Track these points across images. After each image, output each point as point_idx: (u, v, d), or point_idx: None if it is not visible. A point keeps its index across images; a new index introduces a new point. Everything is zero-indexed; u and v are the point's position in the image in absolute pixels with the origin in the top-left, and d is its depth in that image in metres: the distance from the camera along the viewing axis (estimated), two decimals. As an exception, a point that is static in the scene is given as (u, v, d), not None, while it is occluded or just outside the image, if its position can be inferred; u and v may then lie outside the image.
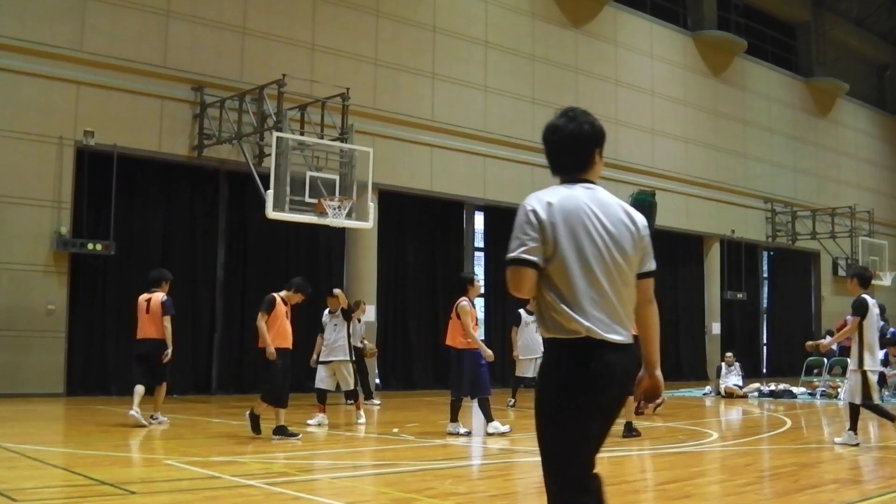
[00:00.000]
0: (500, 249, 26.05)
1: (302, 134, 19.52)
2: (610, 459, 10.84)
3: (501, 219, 26.15)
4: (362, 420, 14.33)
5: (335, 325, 14.60)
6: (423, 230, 24.51)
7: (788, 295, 36.77)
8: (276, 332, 11.97)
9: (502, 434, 12.50)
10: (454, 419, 12.76)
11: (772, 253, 36.46)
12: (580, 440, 4.06)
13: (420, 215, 24.37)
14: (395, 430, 13.51)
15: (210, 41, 20.42)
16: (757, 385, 22.79)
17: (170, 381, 14.27)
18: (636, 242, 4.18)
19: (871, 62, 43.63)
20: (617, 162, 28.56)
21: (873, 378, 11.72)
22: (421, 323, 24.14)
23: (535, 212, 4.07)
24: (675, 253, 30.97)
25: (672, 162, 30.82)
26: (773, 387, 22.36)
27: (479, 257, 26.36)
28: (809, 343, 15.25)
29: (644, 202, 24.74)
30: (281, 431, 11.76)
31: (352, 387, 14.47)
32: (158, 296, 13.65)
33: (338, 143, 19.12)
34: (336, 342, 14.40)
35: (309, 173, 18.14)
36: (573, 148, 4.28)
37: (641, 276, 4.23)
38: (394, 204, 23.18)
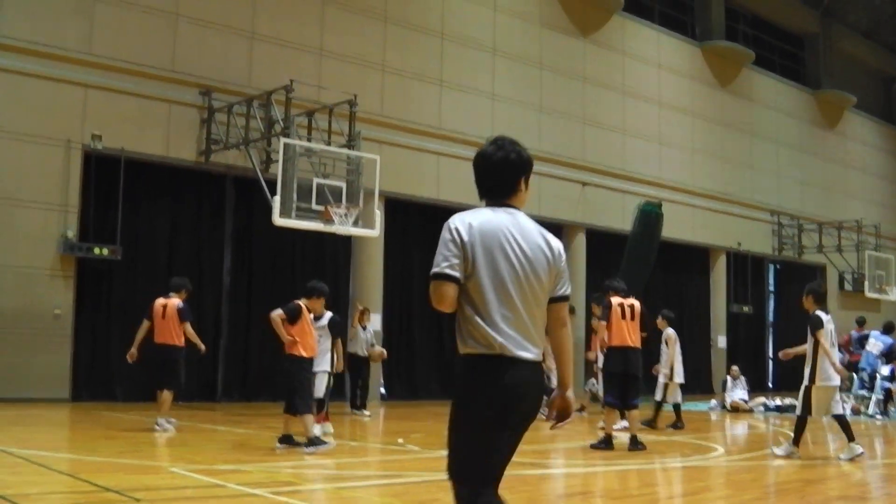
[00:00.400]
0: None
1: (309, 140, 19.50)
2: (616, 473, 10.81)
3: (508, 228, 26.11)
4: (329, 430, 13.28)
5: (319, 335, 13.21)
6: (430, 238, 24.25)
7: (794, 308, 36.42)
8: (304, 342, 11.66)
9: None
10: None
11: (778, 266, 36.37)
12: (487, 452, 4.24)
13: (426, 223, 24.29)
14: (400, 440, 13.47)
15: (218, 45, 20.43)
16: (763, 399, 22.73)
17: (177, 391, 14.15)
18: (551, 267, 4.40)
19: (878, 74, 43.58)
20: (624, 172, 28.60)
21: (829, 392, 12.01)
22: (426, 331, 24.10)
23: (457, 231, 4.30)
24: (681, 265, 30.92)
25: (679, 173, 30.78)
26: (778, 401, 22.30)
27: (485, 266, 26.28)
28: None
29: (650, 213, 24.77)
30: (288, 441, 11.61)
31: (322, 396, 13.19)
32: (174, 302, 13.77)
33: (345, 150, 19.12)
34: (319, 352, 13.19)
35: (316, 180, 18.13)
36: (500, 175, 4.53)
37: (555, 299, 4.44)
38: (400, 212, 23.17)
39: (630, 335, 13.10)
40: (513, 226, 4.38)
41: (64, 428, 14.85)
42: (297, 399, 11.51)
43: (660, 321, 17.29)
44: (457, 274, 4.27)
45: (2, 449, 10.49)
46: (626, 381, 13.09)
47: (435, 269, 4.30)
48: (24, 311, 17.80)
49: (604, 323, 13.23)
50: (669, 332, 17.20)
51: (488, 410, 4.18)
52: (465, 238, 4.28)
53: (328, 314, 13.13)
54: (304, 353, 11.60)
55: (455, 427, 4.30)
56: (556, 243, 4.48)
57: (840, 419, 12.13)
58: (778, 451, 12.22)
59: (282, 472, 9.67)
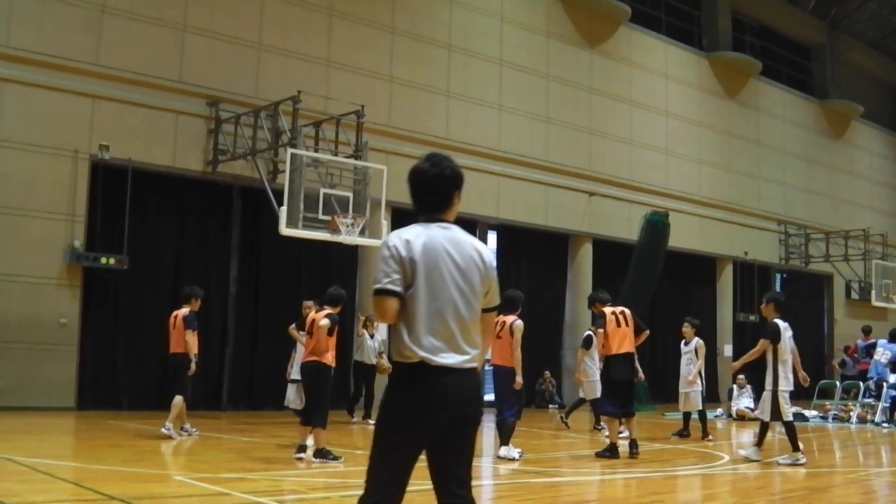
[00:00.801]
0: (513, 269, 26.15)
1: (316, 151, 19.52)
2: (621, 481, 10.81)
3: (514, 238, 26.16)
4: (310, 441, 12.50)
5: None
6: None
7: (801, 317, 36.48)
8: (333, 352, 11.53)
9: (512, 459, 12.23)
10: (507, 442, 12.41)
11: (785, 275, 36.30)
12: (402, 452, 4.47)
13: (433, 233, 24.33)
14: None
15: (226, 56, 20.49)
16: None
17: (189, 399, 14.28)
18: (484, 278, 4.65)
19: (886, 84, 43.54)
20: (631, 182, 28.60)
21: (783, 398, 12.65)
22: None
23: (395, 248, 4.53)
24: (688, 274, 30.89)
25: (686, 183, 30.76)
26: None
27: (492, 276, 26.28)
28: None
29: (657, 223, 24.74)
30: (322, 455, 11.43)
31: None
32: (183, 311, 14.08)
33: (352, 161, 19.14)
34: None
35: (323, 190, 18.14)
36: (436, 190, 4.73)
37: (487, 310, 4.72)
38: (407, 222, 22.66)
39: (627, 342, 13.26)
40: (447, 240, 4.61)
41: (69, 436, 14.88)
42: (313, 411, 11.43)
43: (687, 330, 17.28)
44: (398, 289, 4.47)
45: (8, 457, 10.53)
46: (629, 387, 13.32)
47: (377, 286, 4.50)
48: (30, 320, 17.84)
49: (601, 332, 13.32)
50: (699, 341, 17.21)
51: (406, 416, 4.44)
52: (403, 254, 4.51)
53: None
54: (331, 363, 11.53)
55: (379, 430, 4.56)
56: (489, 255, 4.72)
57: (788, 426, 12.52)
58: (742, 451, 12.89)
59: (287, 481, 9.69)
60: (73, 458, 11.70)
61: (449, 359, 4.47)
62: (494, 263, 4.75)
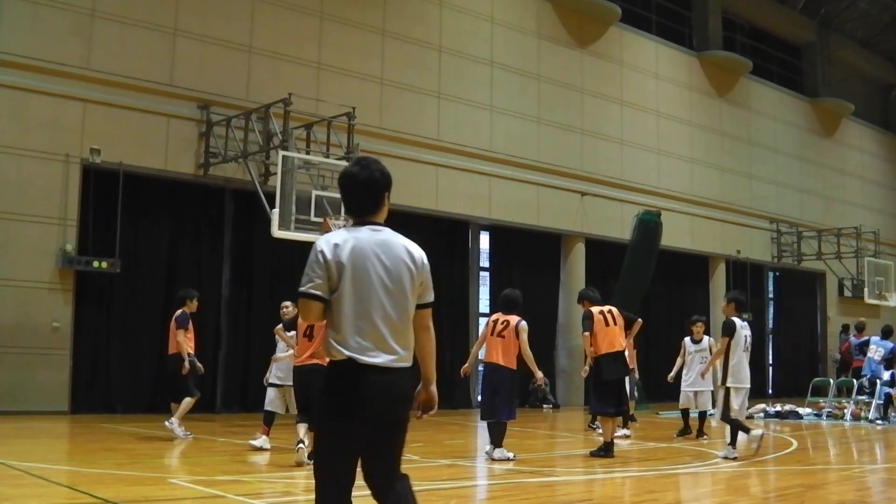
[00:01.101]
0: (505, 269, 26.15)
1: (308, 153, 19.52)
2: (616, 481, 10.82)
3: (507, 239, 26.19)
4: (257, 443, 12.57)
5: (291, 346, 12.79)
6: (428, 250, 23.82)
7: (794, 316, 36.68)
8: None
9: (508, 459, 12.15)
10: (501, 443, 12.32)
11: (777, 273, 36.40)
12: (341, 452, 4.62)
13: (425, 235, 24.24)
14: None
15: (217, 60, 20.47)
16: (762, 406, 22.70)
17: (198, 397, 14.41)
18: (415, 278, 4.82)
19: (876, 83, 43.67)
20: (622, 182, 28.64)
21: (734, 394, 12.83)
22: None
23: (322, 252, 4.68)
24: (681, 273, 30.95)
25: (677, 182, 30.82)
26: (778, 408, 22.28)
27: (485, 277, 26.34)
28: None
29: (649, 223, 24.75)
30: None
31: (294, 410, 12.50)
32: (177, 312, 14.20)
33: (343, 162, 19.12)
34: (286, 364, 12.86)
35: (314, 192, 18.13)
36: (366, 193, 4.93)
37: (420, 306, 4.87)
38: (399, 223, 22.79)
39: (617, 340, 13.30)
40: (376, 243, 4.79)
41: (63, 440, 14.85)
42: (313, 412, 11.30)
43: (699, 328, 16.92)
44: (319, 293, 4.65)
45: (1, 462, 10.50)
46: (620, 385, 13.36)
47: (301, 289, 4.69)
48: (23, 325, 17.80)
49: (587, 334, 13.32)
50: (711, 339, 16.99)
51: (343, 413, 4.60)
52: (329, 258, 4.66)
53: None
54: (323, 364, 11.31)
55: (316, 430, 4.87)
56: (420, 255, 4.91)
57: (733, 422, 12.82)
58: (721, 453, 12.78)
59: (280, 483, 9.68)
60: (67, 462, 11.67)
61: (377, 358, 4.62)
62: (426, 262, 4.93)
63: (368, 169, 4.95)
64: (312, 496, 4.62)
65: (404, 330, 4.75)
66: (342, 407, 4.61)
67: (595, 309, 13.45)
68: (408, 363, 4.74)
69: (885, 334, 21.64)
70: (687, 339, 16.78)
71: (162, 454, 12.43)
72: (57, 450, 13.43)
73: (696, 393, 16.49)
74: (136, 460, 11.60)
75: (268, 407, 13.12)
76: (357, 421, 4.59)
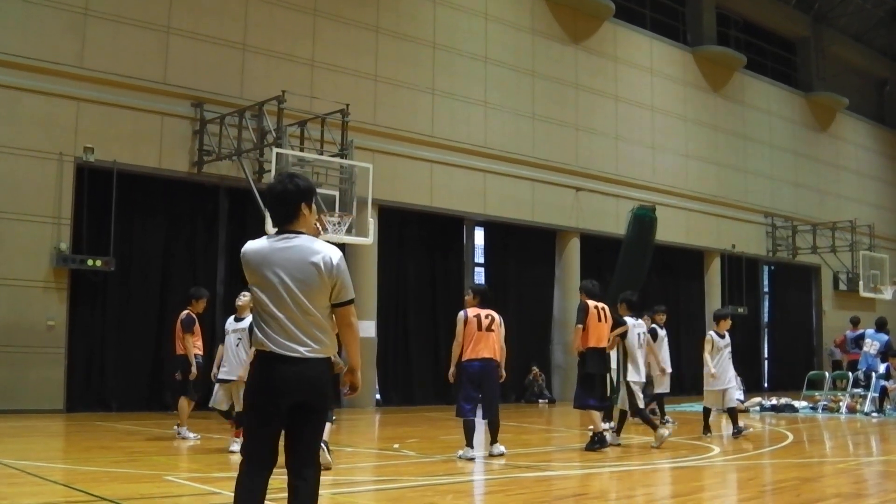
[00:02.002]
0: (500, 265, 26.16)
1: (302, 150, 19.53)
2: (611, 475, 10.82)
3: (501, 234, 26.20)
4: (236, 447, 11.51)
5: (239, 337, 12.43)
6: (423, 246, 24.50)
7: (789, 309, 36.71)
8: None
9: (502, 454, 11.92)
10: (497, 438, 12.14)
11: (772, 267, 36.43)
12: (259, 428, 5.33)
13: (420, 231, 24.36)
14: (396, 445, 13.47)
15: (210, 58, 20.45)
16: (758, 399, 22.73)
17: (196, 398, 14.23)
18: (324, 280, 5.31)
19: (870, 77, 43.70)
20: (617, 177, 28.66)
21: (635, 388, 13.69)
22: (421, 338, 24.11)
23: (244, 254, 5.39)
24: (676, 268, 30.97)
25: (672, 177, 30.83)
26: (774, 401, 22.30)
27: (480, 273, 26.36)
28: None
29: (644, 217, 24.77)
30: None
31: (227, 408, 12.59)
32: (182, 314, 14.07)
33: (338, 159, 19.14)
34: (238, 357, 12.31)
35: (309, 189, 18.08)
36: (281, 203, 5.45)
37: (336, 305, 5.40)
38: (394, 220, 23.17)
39: (604, 338, 13.41)
40: (283, 248, 5.33)
41: (59, 439, 14.82)
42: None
43: (726, 322, 16.31)
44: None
45: (-3, 460, 10.49)
46: (604, 381, 13.54)
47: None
48: (17, 324, 17.79)
49: (580, 327, 13.28)
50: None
51: (258, 397, 5.30)
52: (249, 259, 5.37)
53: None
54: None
55: (243, 408, 5.51)
56: (330, 260, 5.33)
57: (642, 413, 13.72)
58: (655, 443, 13.17)
59: (277, 479, 9.66)
60: (63, 461, 11.65)
61: (286, 350, 5.23)
62: (341, 265, 5.37)
63: (282, 182, 5.47)
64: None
65: (312, 326, 5.28)
66: (256, 394, 5.31)
67: (591, 303, 13.43)
68: (319, 355, 5.30)
69: (880, 327, 21.66)
70: (712, 334, 15.67)
71: (158, 451, 12.42)
72: (53, 448, 13.41)
73: (724, 391, 15.60)
74: (132, 458, 11.58)
75: (214, 405, 12.91)
76: (270, 406, 5.23)
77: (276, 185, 5.50)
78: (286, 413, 5.24)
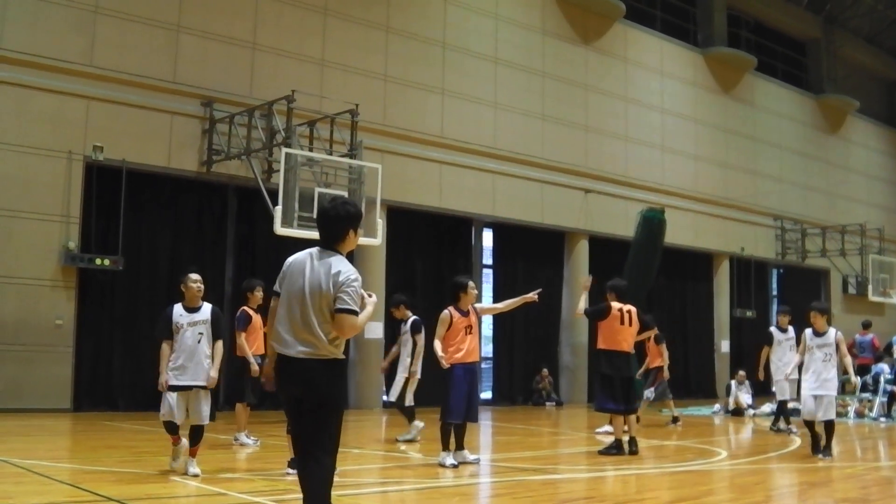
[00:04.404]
0: (508, 267, 26.09)
1: (311, 150, 19.50)
2: (619, 478, 10.79)
3: (510, 235, 26.15)
4: (194, 470, 9.81)
5: (200, 332, 10.34)
6: (432, 247, 24.46)
7: (798, 313, 36.48)
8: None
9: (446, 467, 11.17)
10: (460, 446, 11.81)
11: (781, 271, 36.34)
12: (288, 419, 6.38)
13: (429, 232, 24.32)
14: (402, 447, 13.45)
15: (220, 56, 20.45)
16: (767, 403, 22.65)
17: (255, 401, 13.72)
18: (325, 291, 5.90)
19: (881, 79, 43.57)
20: (626, 179, 28.61)
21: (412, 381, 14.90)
22: (429, 339, 24.01)
23: (285, 264, 6.18)
24: (685, 270, 30.90)
25: (681, 179, 30.77)
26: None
27: (488, 274, 26.33)
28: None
29: (653, 219, 24.73)
30: None
31: (206, 421, 10.11)
32: (237, 312, 13.20)
33: (347, 160, 19.11)
34: (196, 358, 10.20)
35: (317, 189, 18.08)
36: (331, 226, 6.11)
37: (333, 312, 5.91)
38: (402, 220, 23.14)
39: (627, 342, 13.10)
40: (310, 262, 6.03)
41: (65, 438, 14.84)
42: None
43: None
44: (276, 290, 6.18)
45: (4, 459, 10.50)
46: (625, 384, 13.02)
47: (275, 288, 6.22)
48: (25, 322, 17.80)
49: (601, 323, 13.13)
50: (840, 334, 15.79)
51: (280, 392, 6.09)
52: (285, 268, 6.18)
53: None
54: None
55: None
56: (338, 274, 5.90)
57: (407, 409, 14.77)
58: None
59: (283, 481, 9.65)
60: (70, 460, 11.67)
61: (292, 351, 5.90)
62: (350, 278, 5.91)
63: (335, 208, 6.10)
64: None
65: (315, 329, 5.87)
66: (279, 388, 6.05)
67: (616, 304, 13.20)
68: (322, 356, 5.88)
69: (865, 327, 21.86)
70: (808, 332, 13.16)
71: (164, 451, 12.39)
72: (59, 447, 13.44)
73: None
74: (139, 458, 11.60)
75: (166, 417, 10.61)
76: (287, 399, 6.05)
77: (330, 209, 6.09)
78: (297, 403, 5.97)
